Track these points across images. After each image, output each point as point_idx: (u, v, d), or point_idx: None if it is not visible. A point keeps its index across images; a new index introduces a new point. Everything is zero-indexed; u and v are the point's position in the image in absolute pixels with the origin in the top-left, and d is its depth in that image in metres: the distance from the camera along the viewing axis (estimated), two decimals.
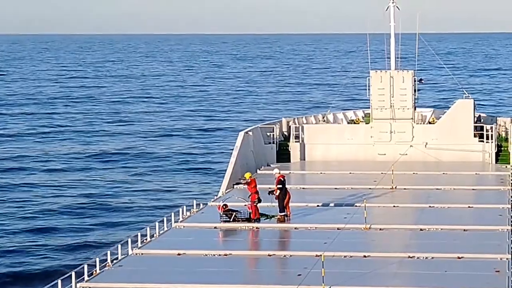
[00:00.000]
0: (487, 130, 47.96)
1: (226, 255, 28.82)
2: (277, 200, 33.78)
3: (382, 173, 42.23)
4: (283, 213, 33.63)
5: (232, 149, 45.67)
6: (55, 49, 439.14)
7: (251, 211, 33.66)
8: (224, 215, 33.59)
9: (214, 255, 28.78)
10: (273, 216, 33.81)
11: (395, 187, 40.36)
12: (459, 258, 27.56)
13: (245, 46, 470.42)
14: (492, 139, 47.75)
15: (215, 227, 33.10)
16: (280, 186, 33.65)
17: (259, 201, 33.84)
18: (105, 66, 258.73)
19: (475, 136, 48.17)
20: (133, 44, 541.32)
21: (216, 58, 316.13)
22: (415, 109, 49.19)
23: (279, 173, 34.26)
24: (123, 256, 28.99)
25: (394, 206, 36.46)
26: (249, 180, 34.27)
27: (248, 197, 34.09)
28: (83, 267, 26.66)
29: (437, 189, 40.23)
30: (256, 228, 32.95)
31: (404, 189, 40.42)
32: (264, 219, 33.82)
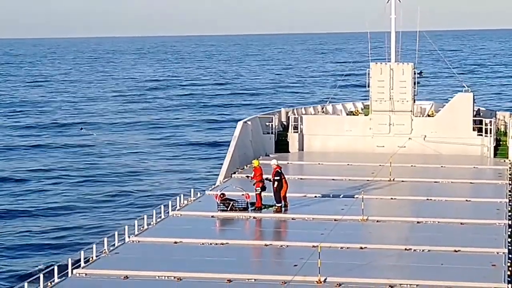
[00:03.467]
0: (486, 124, 47.95)
1: (222, 244, 28.82)
2: (258, 189, 33.75)
3: (380, 165, 42.22)
4: (280, 204, 33.61)
5: (231, 139, 45.63)
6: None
7: (248, 200, 33.67)
8: (221, 204, 33.59)
9: (211, 243, 28.77)
10: (270, 206, 33.80)
11: (393, 179, 40.34)
12: (455, 251, 27.54)
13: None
14: (491, 133, 47.74)
15: (212, 216, 33.09)
16: (278, 178, 33.57)
17: (264, 189, 33.83)
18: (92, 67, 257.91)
19: (474, 129, 48.16)
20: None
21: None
22: (414, 101, 49.16)
23: (277, 164, 34.18)
24: (120, 243, 28.98)
25: (391, 198, 36.42)
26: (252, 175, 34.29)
27: (253, 185, 34.02)
28: (80, 254, 26.67)
29: (435, 182, 40.20)
30: (253, 217, 32.95)
31: (402, 181, 40.41)
32: (262, 209, 33.81)
